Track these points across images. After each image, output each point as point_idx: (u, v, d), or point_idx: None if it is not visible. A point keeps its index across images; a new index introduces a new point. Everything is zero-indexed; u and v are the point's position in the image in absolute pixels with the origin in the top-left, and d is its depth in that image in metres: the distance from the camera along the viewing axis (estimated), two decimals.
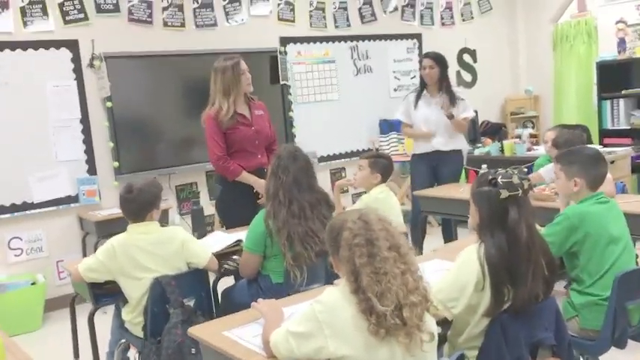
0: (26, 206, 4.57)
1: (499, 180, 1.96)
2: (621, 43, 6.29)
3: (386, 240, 1.66)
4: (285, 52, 5.82)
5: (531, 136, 6.27)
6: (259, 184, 3.64)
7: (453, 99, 4.65)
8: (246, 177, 3.73)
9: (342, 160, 6.30)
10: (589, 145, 2.97)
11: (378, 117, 6.44)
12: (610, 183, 3.61)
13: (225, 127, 3.67)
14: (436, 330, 1.75)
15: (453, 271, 2.02)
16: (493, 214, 1.96)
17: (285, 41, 5.84)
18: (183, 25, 5.25)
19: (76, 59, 4.76)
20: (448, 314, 1.98)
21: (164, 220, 4.83)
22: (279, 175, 2.79)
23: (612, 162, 5.20)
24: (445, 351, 2.15)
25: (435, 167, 4.82)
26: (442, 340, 2.19)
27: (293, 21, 5.88)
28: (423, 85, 4.78)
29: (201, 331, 2.07)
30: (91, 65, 4.81)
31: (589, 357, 2.51)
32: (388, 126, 6.43)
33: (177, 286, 2.76)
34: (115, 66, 4.86)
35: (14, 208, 4.53)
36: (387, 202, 3.52)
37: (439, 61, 4.71)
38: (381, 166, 3.50)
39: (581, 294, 2.45)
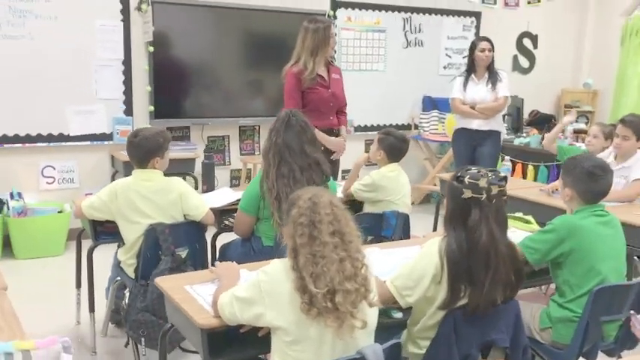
0: (62, 138, 4.78)
1: (465, 179, 1.92)
2: None
3: (330, 224, 1.67)
4: (335, 17, 5.75)
5: (579, 132, 6.03)
6: (330, 141, 3.90)
7: (495, 82, 4.88)
8: (319, 135, 3.77)
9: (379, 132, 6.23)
10: (596, 156, 2.83)
11: (422, 93, 6.32)
12: (628, 190, 3.48)
13: (305, 86, 3.83)
14: (374, 319, 1.77)
15: (413, 261, 2.02)
16: (455, 210, 1.94)
17: (336, 5, 5.77)
18: None
19: (125, 1, 4.87)
20: (402, 302, 1.99)
21: (190, 169, 4.98)
22: (272, 136, 2.84)
23: None
24: (403, 337, 2.16)
25: (474, 146, 4.99)
26: (404, 325, 2.22)
27: None
28: (472, 66, 4.95)
29: (165, 282, 2.15)
30: (139, 8, 4.91)
31: None
32: (431, 103, 6.30)
33: (171, 235, 2.86)
34: (161, 11, 4.94)
35: (50, 138, 4.74)
36: (397, 181, 3.50)
37: (493, 45, 4.95)
38: (387, 143, 3.47)
39: (560, 307, 2.38)
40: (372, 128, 6.17)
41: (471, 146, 4.98)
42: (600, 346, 2.38)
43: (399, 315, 2.22)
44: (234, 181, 5.62)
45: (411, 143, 6.20)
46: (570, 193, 2.44)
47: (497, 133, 5.00)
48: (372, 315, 1.76)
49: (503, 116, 5.46)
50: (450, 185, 1.99)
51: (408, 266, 2.01)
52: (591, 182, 2.41)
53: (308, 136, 2.92)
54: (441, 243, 1.95)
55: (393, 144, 3.48)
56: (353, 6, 5.86)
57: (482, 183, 1.90)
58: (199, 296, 1.99)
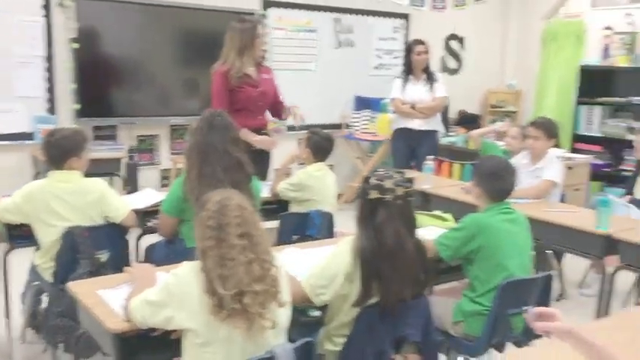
0: None
1: (372, 180, 1.99)
2: (606, 49, 6.23)
3: (238, 227, 1.69)
4: (265, 16, 5.75)
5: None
6: (259, 140, 3.89)
7: (433, 83, 5.08)
8: (246, 133, 3.78)
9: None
10: (499, 157, 2.98)
11: (353, 93, 6.42)
12: (536, 188, 3.66)
13: (233, 85, 3.83)
14: (285, 318, 1.80)
15: (326, 260, 2.06)
16: (364, 210, 2.00)
17: (267, 4, 5.77)
18: None
19: None
20: (316, 300, 2.03)
21: (116, 169, 4.88)
22: (195, 136, 2.83)
23: (570, 168, 5.22)
24: (320, 335, 2.20)
25: (413, 146, 5.14)
26: (322, 323, 2.26)
27: None
28: (410, 68, 5.10)
29: (78, 286, 2.11)
30: (61, 4, 4.76)
31: (467, 357, 2.57)
32: (363, 103, 6.40)
33: (91, 238, 2.79)
34: (86, 8, 4.83)
35: None
36: (323, 181, 3.55)
37: (429, 48, 5.14)
38: (312, 142, 3.53)
39: (471, 301, 2.49)
40: (304, 127, 6.19)
41: (410, 146, 5.14)
42: (509, 337, 2.50)
43: (316, 313, 2.26)
44: (165, 180, 5.55)
45: (342, 142, 6.44)
46: (478, 191, 2.56)
47: (435, 133, 5.20)
48: (282, 315, 1.79)
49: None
50: (360, 186, 2.05)
51: (322, 265, 2.06)
52: (495, 181, 2.54)
53: (232, 136, 2.92)
54: (354, 242, 2.00)
55: (318, 143, 3.53)
56: (284, 6, 5.88)
57: (388, 184, 1.97)
58: (111, 300, 1.97)
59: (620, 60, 6.13)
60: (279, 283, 1.74)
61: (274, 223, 3.37)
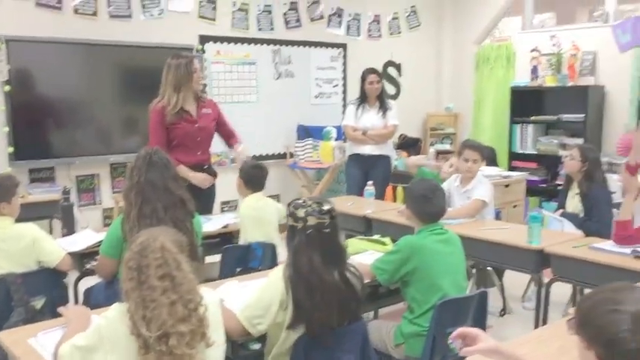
0: None
1: (290, 207, 2.03)
2: (534, 70, 6.52)
3: (159, 268, 1.69)
4: (204, 51, 5.79)
5: (442, 152, 6.44)
6: (196, 177, 3.89)
7: (386, 110, 5.23)
8: (183, 170, 3.77)
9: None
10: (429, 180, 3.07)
11: (296, 122, 6.49)
12: (467, 208, 3.77)
13: (169, 122, 3.83)
14: (217, 357, 1.80)
15: (260, 289, 2.08)
16: (288, 235, 2.04)
17: (204, 39, 5.82)
18: (95, 13, 5.16)
19: None
20: (253, 331, 2.04)
21: (55, 211, 4.77)
22: (133, 175, 2.80)
23: (507, 186, 5.41)
24: None
25: (366, 171, 5.23)
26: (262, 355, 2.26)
27: (214, 20, 5.86)
28: (364, 95, 5.24)
29: (10, 335, 2.06)
30: None
31: None
32: (305, 132, 6.48)
33: (25, 285, 2.73)
34: (17, 49, 4.75)
35: None
36: (263, 212, 3.56)
37: (381, 76, 5.35)
38: (243, 172, 3.58)
39: (410, 323, 2.54)
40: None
41: (363, 171, 5.22)
42: (449, 356, 2.55)
43: (256, 346, 2.27)
44: (107, 220, 5.44)
45: (288, 172, 6.48)
46: (409, 213, 2.64)
47: (388, 158, 5.32)
48: (213, 354, 1.78)
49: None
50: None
51: (256, 295, 2.07)
52: (423, 204, 2.61)
53: (171, 173, 2.91)
54: (285, 268, 2.03)
55: (248, 172, 3.57)
56: (221, 40, 5.93)
57: (300, 213, 2.02)
58: (44, 347, 1.93)
59: (547, 80, 6.42)
60: (206, 322, 1.73)
61: (217, 257, 3.37)
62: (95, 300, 2.94)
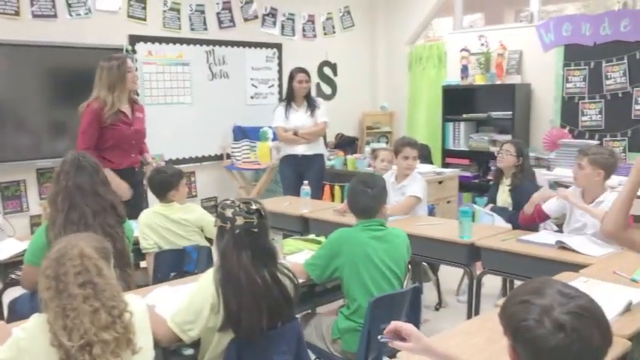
0: None
1: (218, 208, 2.02)
2: (464, 69, 6.70)
3: (78, 276, 1.64)
4: (134, 51, 5.65)
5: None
6: (121, 186, 3.80)
7: (314, 109, 5.26)
8: (110, 176, 3.61)
9: (192, 164, 6.23)
10: (364, 174, 3.12)
11: (232, 123, 6.43)
12: (401, 205, 3.84)
13: (106, 122, 3.83)
14: None
15: (191, 294, 2.05)
16: (216, 238, 2.02)
17: (134, 39, 5.68)
18: (17, 13, 4.95)
19: None
20: (185, 337, 2.00)
21: None
22: (60, 180, 2.70)
23: (441, 182, 5.53)
24: None
25: (301, 172, 5.26)
26: None
27: (144, 19, 5.73)
28: (292, 95, 5.25)
29: None
30: None
31: None
32: (242, 133, 6.42)
33: None
34: None
35: None
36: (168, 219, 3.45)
37: (310, 76, 5.35)
38: (149, 180, 3.47)
39: (346, 318, 2.56)
40: (184, 161, 6.13)
41: (298, 171, 5.24)
42: (384, 352, 2.58)
43: (189, 352, 2.22)
44: (35, 227, 5.21)
45: (225, 173, 6.41)
46: (345, 206, 2.66)
47: (321, 156, 5.40)
48: None
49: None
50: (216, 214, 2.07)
51: (187, 300, 2.04)
52: (357, 197, 2.64)
53: (101, 177, 2.83)
54: (215, 272, 2.00)
55: (152, 178, 3.47)
56: (152, 40, 5.81)
57: (228, 213, 2.00)
58: None
59: (477, 79, 6.60)
60: (132, 329, 1.68)
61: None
62: (20, 312, 2.81)
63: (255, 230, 2.03)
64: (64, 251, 1.66)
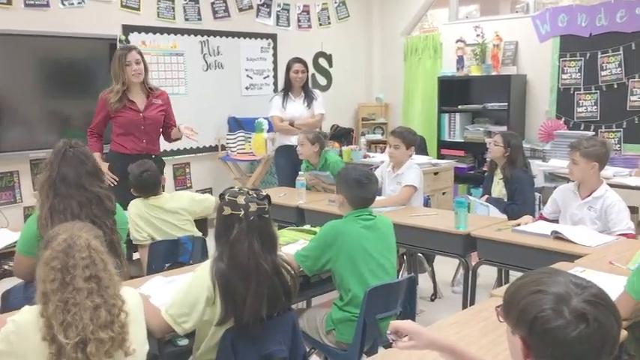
0: None
1: (226, 197, 1.99)
2: (460, 60, 6.68)
3: (86, 269, 1.60)
4: (128, 41, 5.60)
5: (375, 142, 6.51)
6: (105, 174, 3.81)
7: (311, 100, 5.25)
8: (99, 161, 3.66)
9: (187, 155, 6.20)
10: (362, 166, 3.10)
11: (227, 114, 6.40)
12: (398, 196, 3.83)
13: (112, 109, 4.04)
14: None
15: (186, 286, 2.03)
16: (219, 228, 2.00)
17: (128, 29, 5.63)
18: (9, 2, 4.90)
19: None
20: (179, 329, 1.99)
21: None
22: (47, 169, 2.68)
23: (436, 173, 5.52)
24: None
25: (296, 162, 5.14)
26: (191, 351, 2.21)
27: (138, 9, 5.68)
28: (289, 85, 5.23)
29: None
30: None
31: None
32: (237, 124, 6.39)
33: None
34: None
35: None
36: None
37: (307, 66, 5.31)
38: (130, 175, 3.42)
39: (340, 310, 2.56)
40: (178, 152, 6.10)
41: (293, 162, 5.16)
42: (380, 342, 2.58)
43: (184, 342, 2.21)
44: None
45: (220, 164, 6.38)
46: (341, 199, 2.65)
47: None
48: None
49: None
50: (218, 204, 2.04)
51: (182, 292, 2.02)
52: (358, 189, 2.63)
53: (87, 169, 2.77)
54: (212, 263, 1.99)
55: (133, 174, 3.38)
56: (146, 30, 5.76)
57: (240, 200, 1.98)
58: None
59: (473, 70, 6.59)
60: (127, 330, 1.65)
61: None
62: (13, 303, 2.78)
63: (267, 216, 2.02)
64: (71, 242, 1.61)
